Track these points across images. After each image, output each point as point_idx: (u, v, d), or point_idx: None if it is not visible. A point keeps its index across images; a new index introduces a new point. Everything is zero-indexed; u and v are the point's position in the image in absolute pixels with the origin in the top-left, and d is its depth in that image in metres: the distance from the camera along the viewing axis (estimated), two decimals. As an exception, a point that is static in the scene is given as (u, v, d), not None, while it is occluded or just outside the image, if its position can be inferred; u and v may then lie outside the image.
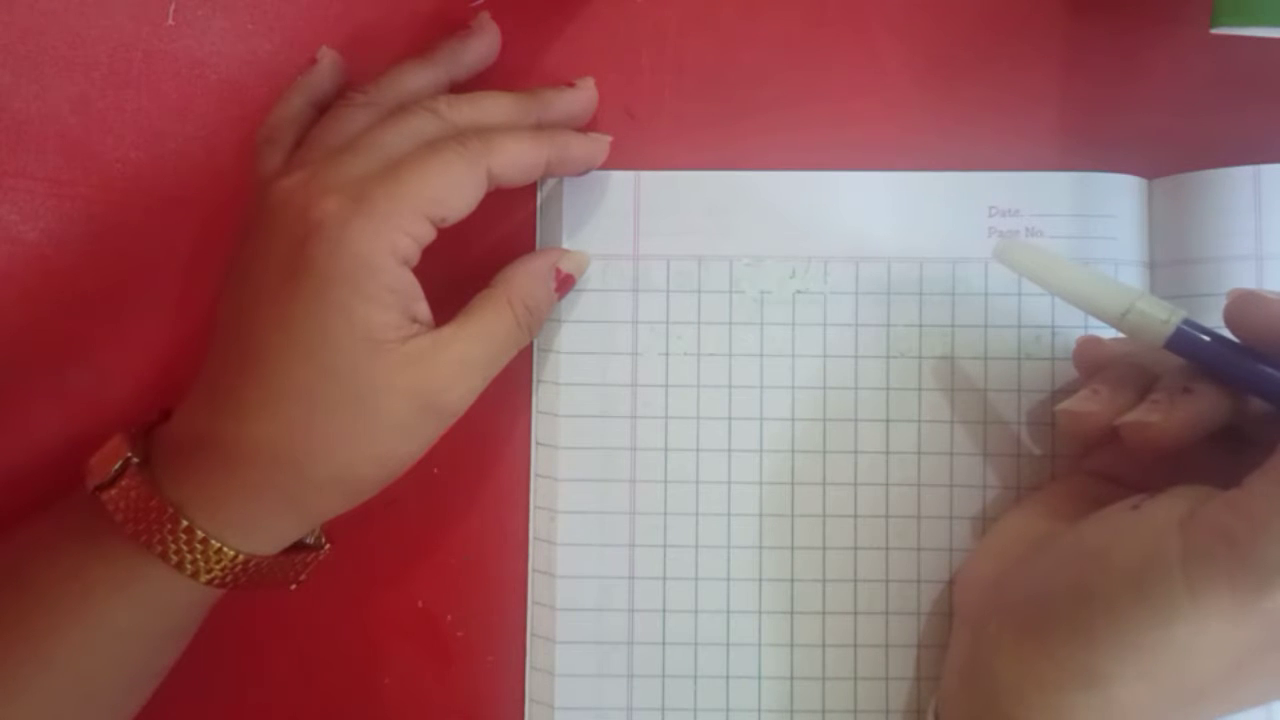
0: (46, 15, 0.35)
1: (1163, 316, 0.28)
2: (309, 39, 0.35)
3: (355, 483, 0.30)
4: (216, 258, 0.35)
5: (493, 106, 0.31)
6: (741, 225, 0.34)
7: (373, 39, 0.35)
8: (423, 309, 0.29)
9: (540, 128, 0.32)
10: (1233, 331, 0.28)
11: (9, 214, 0.35)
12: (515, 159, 0.30)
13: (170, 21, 0.35)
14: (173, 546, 0.28)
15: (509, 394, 0.34)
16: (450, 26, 0.34)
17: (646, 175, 0.34)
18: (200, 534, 0.28)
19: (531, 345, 0.34)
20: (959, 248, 0.34)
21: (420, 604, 0.35)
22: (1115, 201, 0.34)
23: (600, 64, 0.35)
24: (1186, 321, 0.28)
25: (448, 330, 0.30)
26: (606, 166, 0.34)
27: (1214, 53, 0.34)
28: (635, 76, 0.35)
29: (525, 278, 0.32)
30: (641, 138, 0.35)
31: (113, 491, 0.28)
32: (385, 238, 0.28)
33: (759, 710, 0.33)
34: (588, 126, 0.34)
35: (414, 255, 0.29)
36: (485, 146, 0.29)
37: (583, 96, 0.33)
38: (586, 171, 0.34)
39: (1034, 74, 0.35)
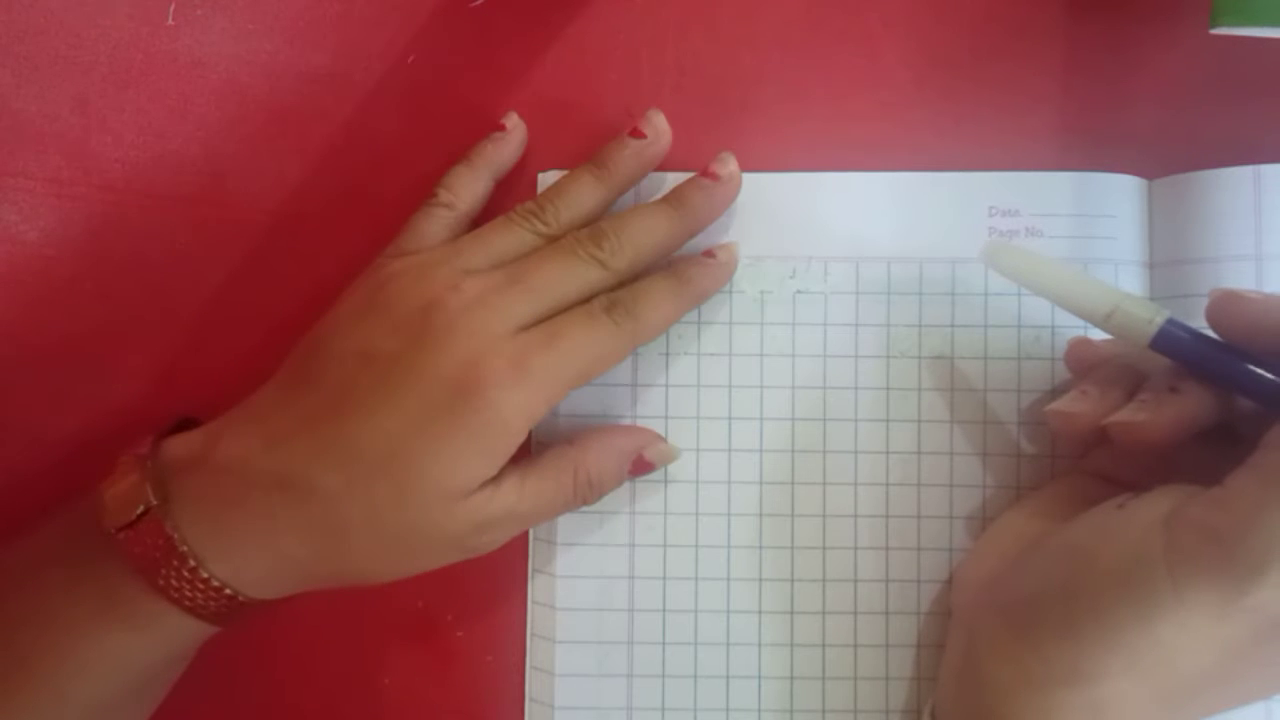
0: (46, 15, 0.35)
1: (1147, 316, 0.28)
2: (309, 39, 0.35)
3: (370, 579, 0.30)
4: (215, 257, 0.35)
5: (649, 240, 0.32)
6: (741, 225, 0.34)
7: (372, 39, 0.35)
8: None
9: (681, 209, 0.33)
10: (1216, 331, 0.28)
11: (9, 214, 0.35)
12: (659, 328, 0.32)
13: (170, 21, 0.35)
14: (188, 592, 0.28)
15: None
16: (450, 26, 0.34)
17: (647, 175, 0.34)
18: (216, 582, 0.28)
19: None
20: (959, 248, 0.34)
21: (420, 604, 0.35)
22: (1115, 201, 0.34)
23: (600, 64, 0.35)
24: (1171, 321, 0.28)
25: (508, 480, 0.30)
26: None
27: (1214, 53, 0.34)
28: (635, 76, 0.35)
29: (604, 453, 0.32)
30: (641, 138, 0.35)
31: (130, 533, 0.28)
32: (531, 410, 0.29)
33: (759, 710, 0.33)
34: (589, 125, 0.34)
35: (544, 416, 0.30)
36: (636, 325, 0.31)
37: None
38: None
39: (1034, 74, 0.35)
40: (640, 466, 0.33)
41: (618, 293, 0.31)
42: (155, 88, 0.35)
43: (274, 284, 0.35)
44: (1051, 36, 0.35)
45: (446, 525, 0.29)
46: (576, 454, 0.32)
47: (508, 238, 0.31)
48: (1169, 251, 0.33)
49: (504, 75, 0.35)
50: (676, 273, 0.32)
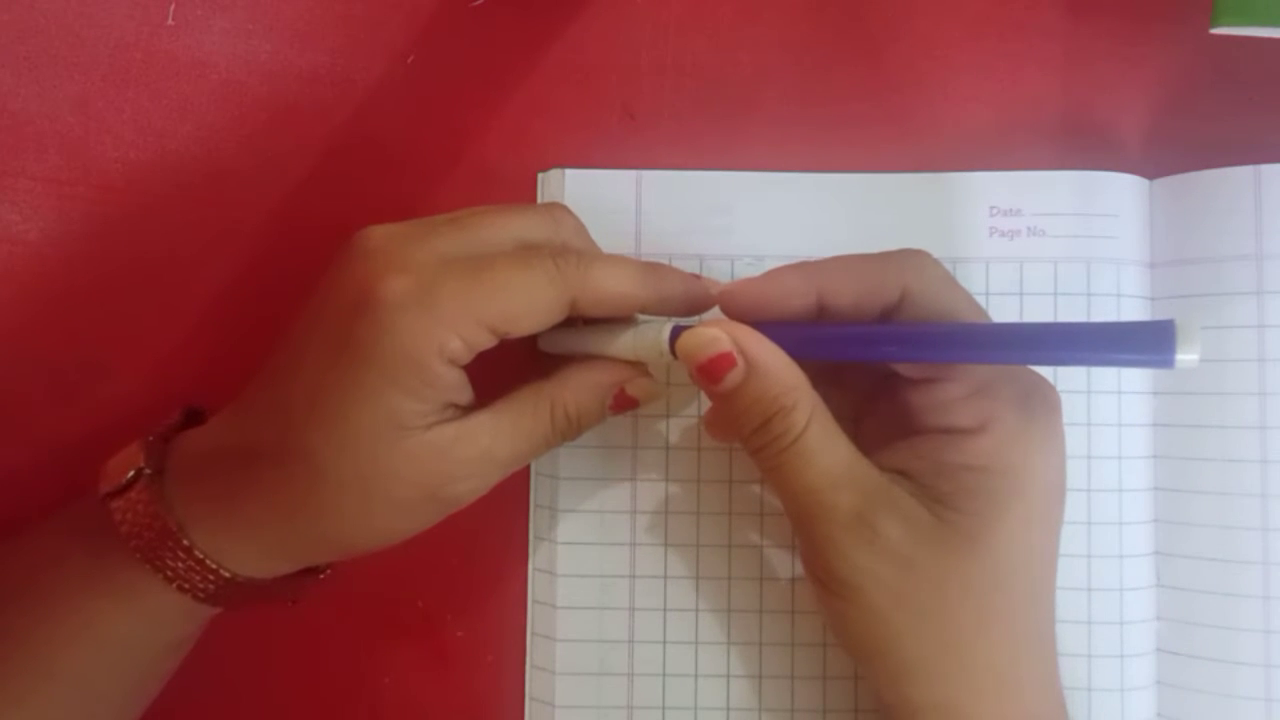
0: (46, 15, 0.35)
1: (656, 328, 0.29)
2: (309, 39, 0.35)
3: (348, 547, 0.29)
4: (216, 257, 0.35)
5: (611, 285, 0.28)
6: (742, 225, 0.34)
7: (372, 39, 0.35)
8: (464, 396, 0.28)
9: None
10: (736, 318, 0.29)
11: (9, 214, 0.35)
12: (604, 301, 0.28)
13: (170, 21, 0.35)
14: (171, 563, 0.28)
15: (509, 394, 0.34)
16: (450, 26, 0.34)
17: (648, 175, 0.34)
18: (199, 554, 0.28)
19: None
20: (959, 248, 0.34)
21: (420, 604, 0.35)
22: (1116, 201, 0.34)
23: (600, 64, 0.35)
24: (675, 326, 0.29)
25: (478, 420, 0.28)
26: (607, 166, 0.34)
27: (1214, 53, 0.34)
28: (635, 76, 0.35)
29: (582, 388, 0.29)
30: (641, 138, 0.35)
31: (120, 501, 0.28)
32: (436, 339, 0.26)
33: (760, 709, 0.33)
34: (589, 125, 0.34)
35: (466, 357, 0.27)
36: (581, 282, 0.28)
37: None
38: (688, 314, 0.30)
39: (1034, 74, 0.35)
40: (623, 402, 0.30)
41: (578, 247, 0.29)
42: (155, 88, 0.35)
43: (274, 284, 0.34)
44: (1051, 37, 0.35)
45: (405, 472, 0.27)
46: (553, 389, 0.29)
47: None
48: (1169, 251, 0.34)
49: (504, 75, 0.35)
50: (651, 263, 0.30)
